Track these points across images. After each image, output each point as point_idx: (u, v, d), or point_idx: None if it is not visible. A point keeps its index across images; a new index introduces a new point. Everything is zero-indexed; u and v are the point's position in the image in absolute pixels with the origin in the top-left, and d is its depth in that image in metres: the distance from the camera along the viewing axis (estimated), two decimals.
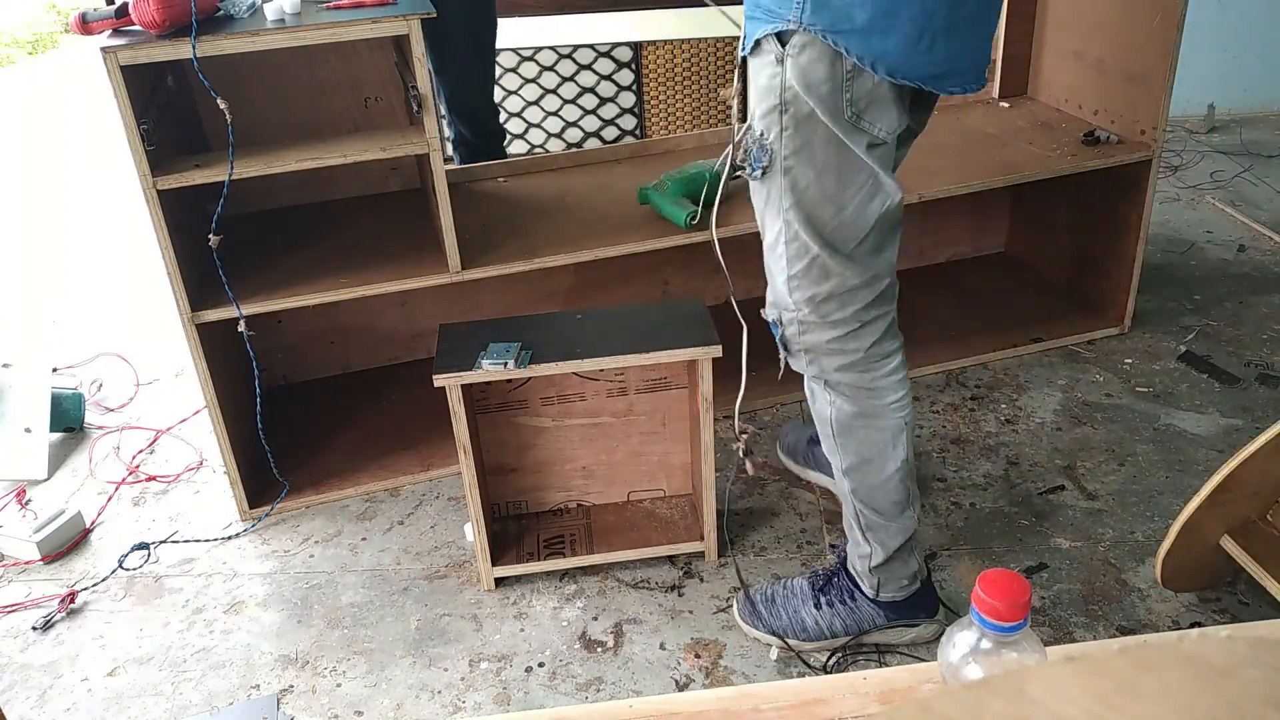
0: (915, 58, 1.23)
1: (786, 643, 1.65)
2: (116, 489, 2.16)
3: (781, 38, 1.24)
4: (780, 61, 1.25)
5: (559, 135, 3.41)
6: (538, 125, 3.39)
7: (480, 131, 2.67)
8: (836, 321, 1.38)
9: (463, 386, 1.68)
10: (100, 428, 2.38)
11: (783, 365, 1.49)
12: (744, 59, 1.34)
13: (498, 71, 3.24)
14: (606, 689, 1.63)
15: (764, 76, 1.28)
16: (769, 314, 1.44)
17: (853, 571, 1.64)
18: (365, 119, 2.22)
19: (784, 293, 1.39)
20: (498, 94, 3.28)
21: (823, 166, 1.29)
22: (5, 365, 2.31)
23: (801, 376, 1.53)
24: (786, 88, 1.25)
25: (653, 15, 3.25)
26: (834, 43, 1.21)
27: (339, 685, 1.66)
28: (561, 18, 3.24)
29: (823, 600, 1.65)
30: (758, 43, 1.27)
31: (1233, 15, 3.60)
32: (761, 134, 1.30)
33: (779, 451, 2.07)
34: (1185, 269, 2.76)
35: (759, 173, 1.33)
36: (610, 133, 3.40)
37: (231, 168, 1.71)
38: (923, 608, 1.64)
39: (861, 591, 1.63)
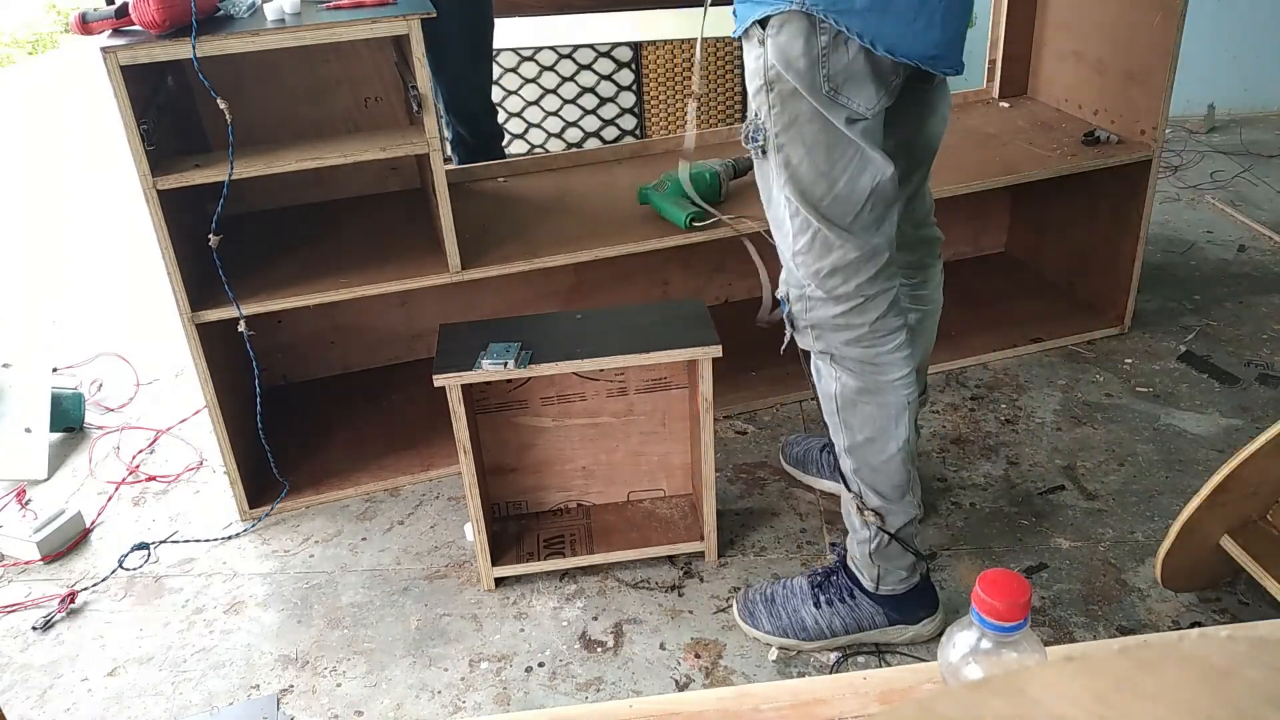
0: (912, 37, 1.28)
1: (786, 643, 1.65)
2: (116, 489, 2.16)
3: (762, 22, 1.30)
4: (762, 43, 1.31)
5: (559, 135, 3.41)
6: (538, 125, 3.39)
7: (478, 131, 2.67)
8: (841, 296, 1.41)
9: (463, 386, 1.68)
10: (100, 428, 2.38)
11: (786, 340, 1.51)
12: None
13: (497, 72, 3.24)
14: (606, 689, 1.63)
15: (751, 59, 1.34)
16: (780, 291, 1.48)
17: (853, 566, 1.64)
18: (365, 119, 2.23)
19: (792, 269, 1.43)
20: (497, 94, 3.28)
21: (811, 143, 1.33)
22: (5, 365, 2.31)
23: (800, 370, 1.54)
24: (769, 67, 1.31)
25: (653, 15, 3.26)
26: (835, 21, 1.25)
27: (339, 685, 1.66)
28: (561, 18, 3.24)
29: (822, 599, 1.65)
30: (747, 30, 1.33)
31: (1233, 15, 3.60)
32: (756, 114, 1.36)
33: (785, 464, 2.07)
34: (1185, 269, 2.76)
35: (759, 152, 1.38)
36: (610, 133, 3.40)
37: (231, 168, 1.71)
38: (922, 604, 1.64)
39: (861, 588, 1.63)
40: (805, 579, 1.69)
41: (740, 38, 1.36)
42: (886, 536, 1.56)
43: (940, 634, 1.66)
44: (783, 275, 1.48)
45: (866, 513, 1.55)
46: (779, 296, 1.49)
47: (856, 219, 1.38)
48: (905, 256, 1.67)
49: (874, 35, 1.26)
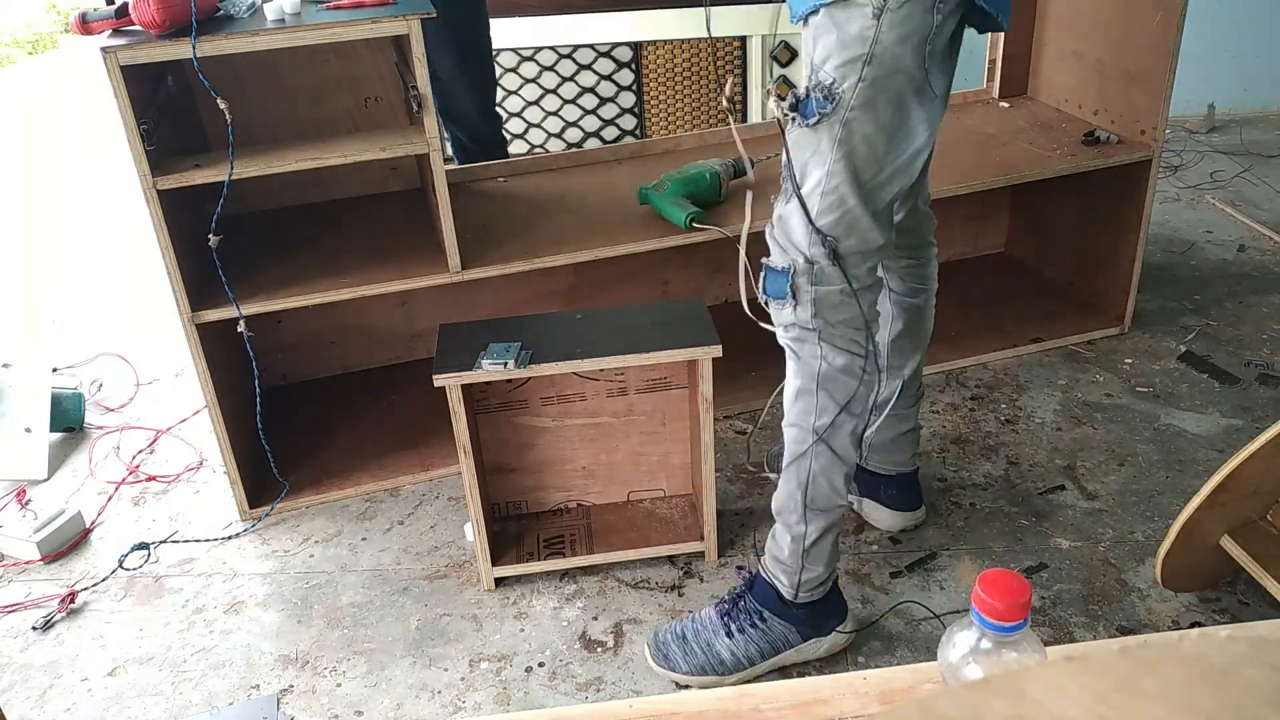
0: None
1: (705, 681, 1.61)
2: (116, 489, 2.16)
3: None
4: (878, 15, 1.27)
5: (559, 135, 3.41)
6: (538, 125, 3.39)
7: (475, 136, 2.65)
8: (852, 277, 1.41)
9: (463, 386, 1.68)
10: (100, 428, 2.38)
11: (774, 310, 1.46)
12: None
13: (497, 72, 3.24)
14: (606, 689, 1.63)
15: (855, 27, 1.28)
16: (778, 262, 1.42)
17: (771, 576, 1.60)
18: (365, 119, 2.23)
19: (804, 243, 1.39)
20: (497, 94, 3.28)
21: (879, 126, 1.33)
22: (5, 365, 2.31)
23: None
24: (878, 41, 1.28)
25: (653, 15, 3.26)
26: None
27: (339, 685, 1.66)
28: (561, 18, 3.24)
29: (733, 628, 1.61)
30: None
31: (1233, 15, 3.60)
32: (833, 82, 1.31)
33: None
34: (1185, 269, 2.76)
35: (813, 118, 1.33)
36: (610, 133, 3.40)
37: (231, 168, 1.71)
38: (833, 613, 1.62)
39: (775, 603, 1.60)
40: (713, 609, 1.65)
41: (832, 4, 1.30)
42: (818, 534, 1.53)
43: (851, 643, 1.66)
44: (781, 245, 1.43)
45: (810, 509, 1.52)
46: (781, 268, 1.42)
47: (884, 208, 1.39)
48: (912, 237, 1.69)
49: None
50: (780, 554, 1.58)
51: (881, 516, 1.90)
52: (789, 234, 1.41)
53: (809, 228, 1.38)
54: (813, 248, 1.39)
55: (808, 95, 1.34)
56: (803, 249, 1.40)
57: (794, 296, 1.43)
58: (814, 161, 1.36)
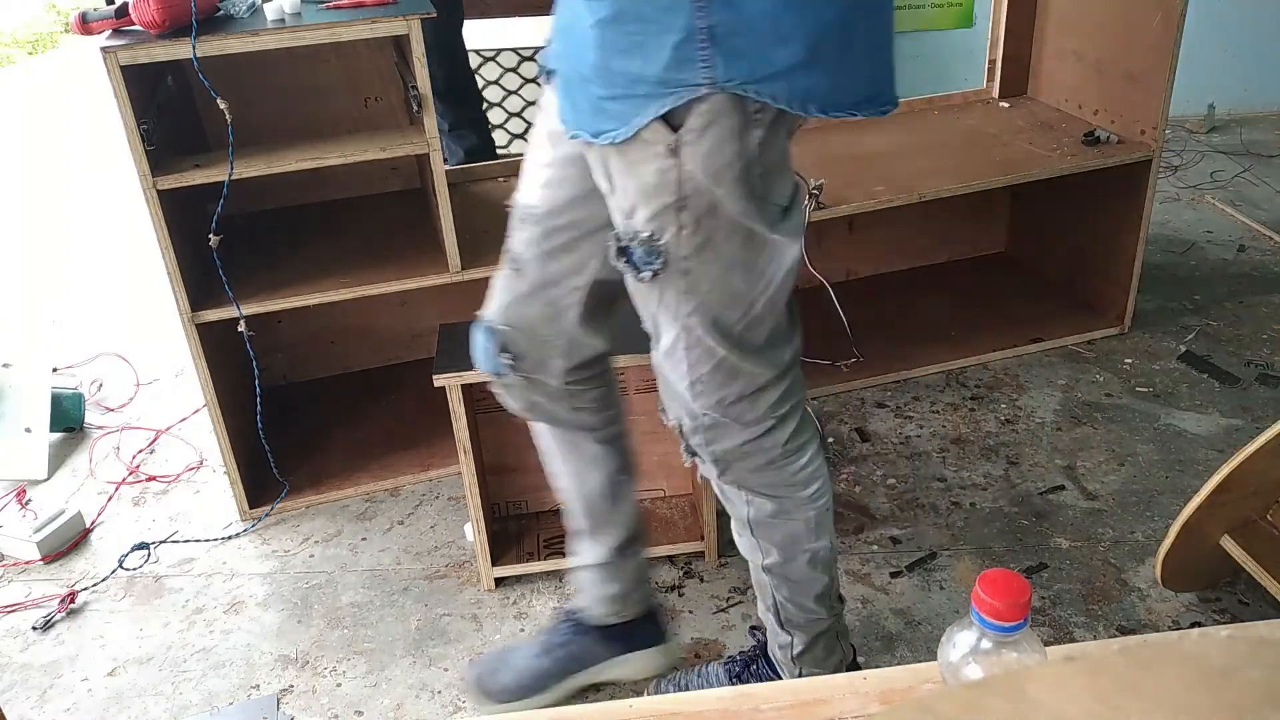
0: (845, 84, 1.03)
1: None
2: (116, 489, 2.16)
3: (671, 120, 1.01)
4: (674, 152, 1.03)
5: None
6: None
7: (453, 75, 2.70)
8: (749, 422, 1.21)
9: (463, 386, 1.68)
10: (100, 428, 2.38)
11: (689, 463, 1.31)
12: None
13: (497, 71, 3.25)
14: (606, 689, 1.63)
15: (649, 172, 1.05)
16: (669, 420, 1.26)
17: (774, 659, 1.50)
18: (365, 119, 2.22)
19: (687, 399, 1.20)
20: (497, 94, 3.28)
21: (729, 264, 1.10)
22: (5, 365, 2.31)
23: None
24: (686, 180, 1.04)
25: None
26: (756, 93, 0.99)
27: (339, 685, 1.66)
28: None
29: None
30: (637, 133, 1.02)
31: (1233, 15, 3.60)
32: (651, 235, 1.09)
33: None
34: (1185, 269, 2.76)
35: (648, 274, 1.12)
36: None
37: (231, 168, 1.71)
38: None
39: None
40: (721, 668, 1.56)
41: (618, 143, 1.04)
42: (806, 643, 1.44)
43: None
44: (673, 407, 1.25)
45: (787, 625, 1.42)
46: (670, 425, 1.27)
47: (770, 337, 1.17)
48: (594, 366, 1.38)
49: (805, 97, 1.00)
50: (775, 653, 1.49)
51: (631, 668, 1.62)
52: (671, 392, 1.23)
53: (687, 383, 1.19)
54: (698, 401, 1.19)
55: (629, 249, 1.11)
56: (686, 404, 1.21)
57: (694, 455, 1.27)
58: (663, 317, 1.15)
